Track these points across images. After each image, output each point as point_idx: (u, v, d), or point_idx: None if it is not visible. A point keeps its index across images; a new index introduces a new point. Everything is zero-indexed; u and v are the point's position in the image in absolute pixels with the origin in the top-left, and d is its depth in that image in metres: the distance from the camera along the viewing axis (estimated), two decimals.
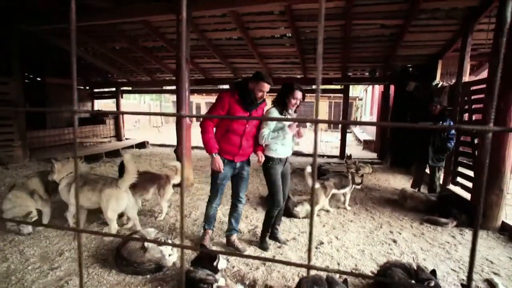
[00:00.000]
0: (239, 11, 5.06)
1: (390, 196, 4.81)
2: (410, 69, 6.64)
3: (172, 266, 2.51)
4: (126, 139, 10.13)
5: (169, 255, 2.56)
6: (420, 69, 6.42)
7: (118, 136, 9.84)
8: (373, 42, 5.76)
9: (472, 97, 4.22)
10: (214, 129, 2.67)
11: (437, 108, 4.14)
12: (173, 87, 10.34)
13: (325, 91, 9.66)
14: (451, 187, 4.68)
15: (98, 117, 9.41)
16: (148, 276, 2.37)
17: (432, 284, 2.04)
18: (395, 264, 2.22)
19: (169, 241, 2.72)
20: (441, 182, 4.62)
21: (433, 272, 2.18)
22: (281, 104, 2.71)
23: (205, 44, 6.39)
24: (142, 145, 9.54)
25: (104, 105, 15.60)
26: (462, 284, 2.08)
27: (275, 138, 2.63)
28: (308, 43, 6.18)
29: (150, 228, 2.87)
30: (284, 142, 2.72)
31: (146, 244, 2.52)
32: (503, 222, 3.42)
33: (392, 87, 7.24)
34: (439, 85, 5.52)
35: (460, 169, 4.60)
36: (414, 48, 5.84)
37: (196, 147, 7.78)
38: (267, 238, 2.92)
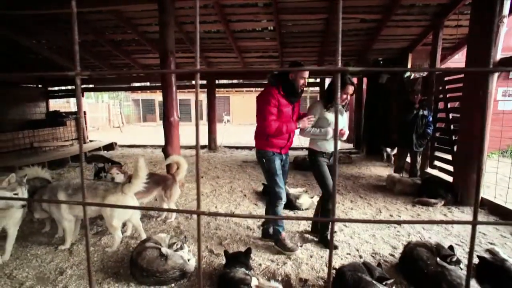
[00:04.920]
0: (222, 2, 4.89)
1: (376, 182, 5.09)
2: (381, 62, 7.05)
3: (195, 272, 2.36)
4: (90, 141, 9.28)
5: (189, 260, 2.42)
6: (391, 62, 6.85)
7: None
8: (351, 36, 5.98)
9: (447, 87, 4.62)
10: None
11: (418, 97, 4.46)
12: (144, 84, 9.71)
13: None
14: (429, 170, 5.10)
15: (57, 119, 8.46)
16: (173, 285, 2.21)
17: (455, 259, 2.21)
18: (418, 244, 2.35)
19: (185, 246, 2.54)
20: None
21: (451, 247, 2.35)
22: (329, 98, 2.66)
23: (183, 37, 6.08)
24: (110, 146, 8.83)
25: (58, 105, 14.09)
26: (478, 256, 2.28)
27: (317, 135, 2.63)
28: (288, 37, 6.22)
29: (161, 234, 2.66)
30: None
31: (164, 251, 2.34)
32: (482, 198, 3.81)
33: (365, 80, 7.64)
34: (411, 77, 5.95)
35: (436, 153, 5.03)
36: (387, 42, 6.20)
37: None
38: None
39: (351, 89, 2.59)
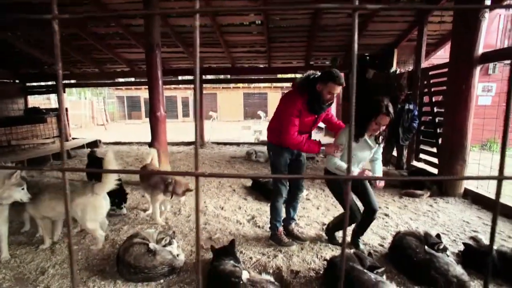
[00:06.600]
0: None
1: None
2: (368, 57, 7.12)
3: (184, 267, 2.31)
4: (73, 138, 8.97)
5: (178, 255, 2.35)
6: (377, 57, 6.93)
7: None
8: (338, 31, 6.02)
9: (431, 81, 4.72)
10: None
11: (405, 93, 4.54)
12: (129, 79, 9.46)
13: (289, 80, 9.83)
14: (414, 163, 5.21)
15: (37, 116, 8.11)
16: (162, 280, 2.14)
17: (442, 246, 2.25)
18: (407, 233, 2.39)
19: (174, 241, 2.47)
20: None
21: (438, 236, 2.40)
22: (361, 126, 2.16)
23: (168, 31, 5.93)
24: (94, 144, 8.54)
25: (38, 102, 13.50)
26: (464, 243, 2.33)
27: (343, 172, 2.21)
28: (276, 31, 6.18)
29: (149, 229, 2.60)
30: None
31: (152, 246, 2.27)
32: (465, 188, 3.93)
33: None
34: (397, 72, 6.05)
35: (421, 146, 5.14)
36: (374, 37, 6.28)
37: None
38: (335, 234, 2.70)
39: (386, 120, 2.11)
